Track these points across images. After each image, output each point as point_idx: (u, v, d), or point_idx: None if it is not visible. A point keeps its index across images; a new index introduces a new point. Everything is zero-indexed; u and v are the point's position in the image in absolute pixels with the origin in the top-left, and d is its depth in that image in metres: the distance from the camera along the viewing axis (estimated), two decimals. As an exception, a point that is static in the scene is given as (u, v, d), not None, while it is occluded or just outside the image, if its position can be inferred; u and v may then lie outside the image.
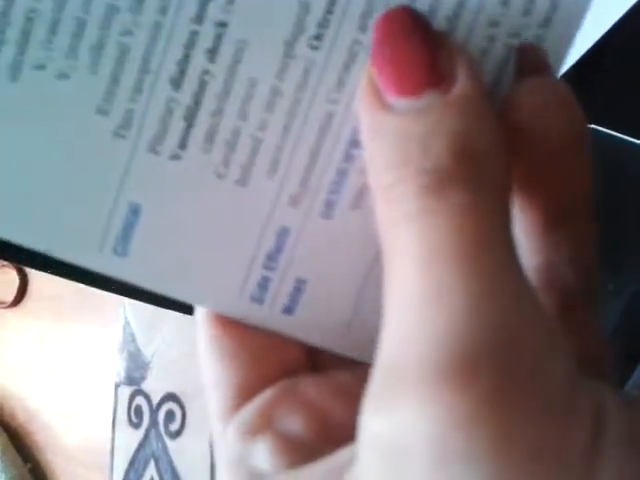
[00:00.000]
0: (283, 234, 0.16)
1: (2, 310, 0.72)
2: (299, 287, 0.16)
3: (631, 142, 0.37)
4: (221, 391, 0.16)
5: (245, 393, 0.16)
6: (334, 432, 0.15)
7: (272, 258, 0.16)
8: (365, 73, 0.15)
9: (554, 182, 0.16)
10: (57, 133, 0.16)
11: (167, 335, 0.59)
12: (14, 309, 0.71)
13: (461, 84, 0.14)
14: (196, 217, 0.16)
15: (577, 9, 0.16)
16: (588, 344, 0.15)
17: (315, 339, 0.17)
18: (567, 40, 0.16)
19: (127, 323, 0.61)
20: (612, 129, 0.37)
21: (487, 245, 0.13)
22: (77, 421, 0.67)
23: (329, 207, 0.16)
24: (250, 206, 0.16)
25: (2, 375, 0.72)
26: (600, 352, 0.15)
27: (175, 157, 0.16)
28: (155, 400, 0.62)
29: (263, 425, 0.16)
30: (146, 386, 0.63)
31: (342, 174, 0.16)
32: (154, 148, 0.16)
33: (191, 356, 0.57)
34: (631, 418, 0.12)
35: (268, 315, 0.16)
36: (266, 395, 0.16)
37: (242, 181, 0.16)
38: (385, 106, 0.14)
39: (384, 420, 0.12)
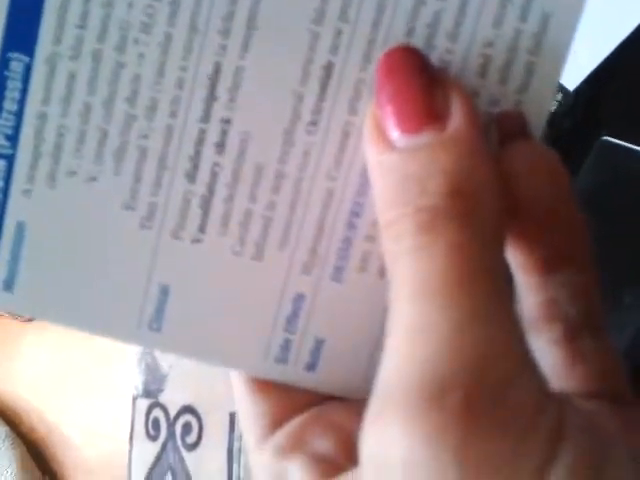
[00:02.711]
0: (299, 300, 0.19)
1: (21, 323, 0.74)
2: (319, 346, 0.19)
3: None
4: (255, 420, 0.19)
5: (277, 421, 0.19)
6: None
7: (291, 322, 0.19)
8: (369, 114, 0.17)
9: (546, 235, 0.17)
10: (91, 229, 0.19)
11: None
12: (33, 323, 0.74)
13: (455, 122, 0.16)
14: (219, 291, 0.19)
15: (553, 72, 0.18)
16: (596, 369, 0.17)
17: (337, 391, 0.19)
18: (546, 101, 0.18)
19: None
20: (625, 140, 0.39)
21: (471, 280, 0.15)
22: (96, 434, 0.71)
23: (338, 272, 0.19)
24: (266, 277, 0.19)
25: (22, 388, 0.76)
26: (611, 374, 0.17)
27: (196, 241, 0.19)
28: (172, 412, 0.65)
29: (295, 446, 0.18)
30: (163, 398, 0.66)
31: (347, 241, 0.19)
32: (177, 234, 0.19)
33: (208, 368, 0.59)
34: (590, 437, 0.14)
35: (292, 373, 0.19)
36: (296, 421, 0.19)
37: (257, 256, 0.19)
38: (388, 144, 0.16)
39: (376, 439, 0.15)
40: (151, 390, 0.64)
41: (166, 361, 0.63)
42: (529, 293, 0.18)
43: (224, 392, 0.65)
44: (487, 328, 0.14)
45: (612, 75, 0.39)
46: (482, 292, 0.15)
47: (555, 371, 0.17)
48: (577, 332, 0.17)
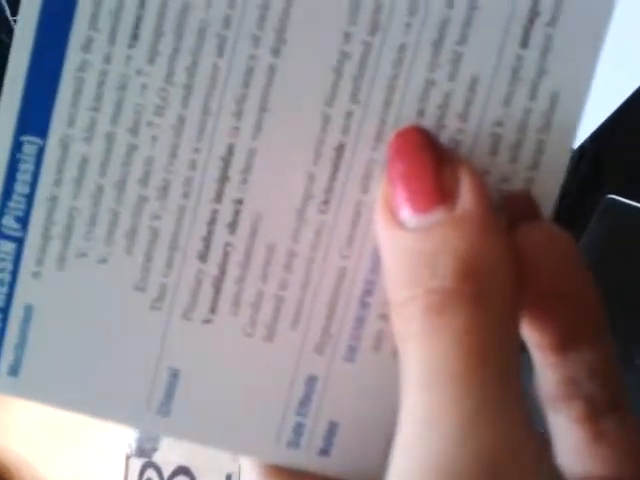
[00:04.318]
0: (311, 382, 0.19)
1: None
2: (332, 430, 0.19)
3: None
4: None
5: None
6: None
7: (304, 405, 0.19)
8: (381, 193, 0.17)
9: (561, 314, 0.17)
10: (100, 311, 0.19)
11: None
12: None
13: (465, 200, 0.16)
14: (229, 374, 0.19)
15: (563, 149, 0.18)
16: (619, 449, 0.17)
17: (351, 476, 0.19)
18: (557, 178, 0.18)
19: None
20: (629, 198, 0.39)
21: (481, 367, 0.14)
22: (86, 495, 0.70)
23: (352, 352, 0.19)
24: (278, 359, 0.19)
25: (13, 442, 0.75)
26: (635, 454, 0.17)
27: (207, 322, 0.19)
28: (166, 473, 0.65)
29: None
30: (157, 458, 0.65)
31: (360, 321, 0.19)
32: (187, 315, 0.19)
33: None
34: None
35: (305, 458, 0.19)
36: None
37: (268, 337, 0.19)
38: (398, 223, 0.16)
39: None
40: (145, 449, 0.64)
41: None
42: (546, 371, 0.18)
43: (220, 452, 0.65)
44: (500, 422, 0.14)
45: (616, 133, 0.40)
46: (492, 383, 0.15)
47: (576, 451, 0.17)
48: (598, 410, 0.17)
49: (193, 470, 0.62)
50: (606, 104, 0.39)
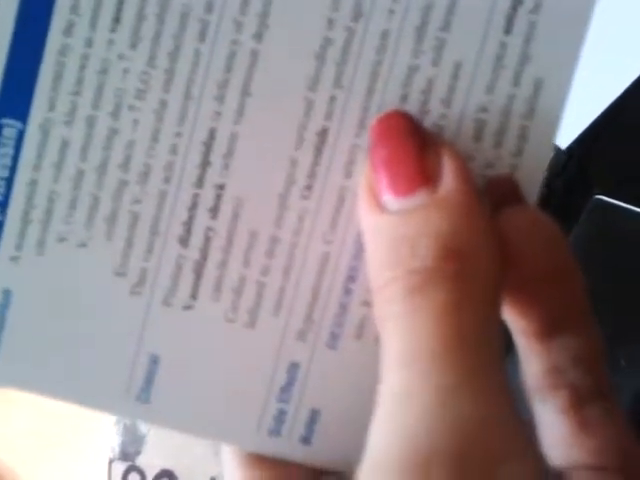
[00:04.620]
0: (293, 369, 0.19)
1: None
2: (314, 417, 0.19)
3: (637, 212, 0.39)
4: None
5: None
6: None
7: (285, 392, 0.19)
8: (364, 177, 0.17)
9: (545, 300, 0.17)
10: (80, 297, 0.19)
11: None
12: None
13: (447, 183, 0.16)
14: (210, 360, 0.19)
15: (547, 136, 0.18)
16: (604, 438, 0.17)
17: (333, 465, 0.19)
18: (541, 164, 0.18)
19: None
20: (617, 198, 0.40)
21: (460, 346, 0.15)
22: (69, 501, 0.69)
23: (334, 339, 0.19)
24: (260, 345, 0.19)
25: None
26: (621, 441, 0.17)
27: (187, 307, 0.19)
28: (150, 476, 0.65)
29: None
30: (141, 461, 0.65)
31: (343, 307, 0.19)
32: (167, 301, 0.19)
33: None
34: None
35: (287, 446, 0.19)
36: None
37: (250, 323, 0.19)
38: (380, 207, 0.16)
39: None
40: (128, 452, 0.64)
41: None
42: (531, 359, 0.18)
43: (204, 455, 0.64)
44: (474, 399, 0.14)
45: (603, 134, 0.40)
46: (471, 359, 0.15)
47: (562, 440, 0.17)
48: (583, 399, 0.17)
49: (177, 473, 0.62)
50: (594, 105, 0.40)
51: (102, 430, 0.65)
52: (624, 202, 0.39)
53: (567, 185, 0.40)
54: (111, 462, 0.65)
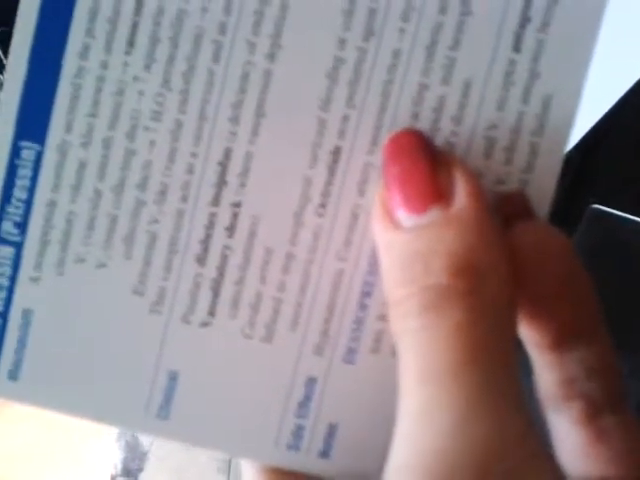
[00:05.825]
0: (311, 383, 0.19)
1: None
2: (332, 432, 0.20)
3: (636, 221, 0.40)
4: None
5: None
6: None
7: (303, 407, 0.19)
8: (377, 195, 0.18)
9: (558, 313, 0.18)
10: (99, 316, 0.19)
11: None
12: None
13: (460, 200, 0.16)
14: (228, 376, 0.19)
15: (556, 152, 0.19)
16: (620, 448, 0.17)
17: (352, 478, 0.20)
18: (551, 180, 0.19)
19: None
20: (614, 207, 0.40)
21: (475, 363, 0.15)
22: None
23: (351, 353, 0.19)
24: (277, 360, 0.19)
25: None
26: (637, 451, 0.17)
27: (205, 324, 0.19)
28: (151, 494, 0.64)
29: None
30: (143, 478, 0.65)
31: (359, 322, 0.19)
32: (186, 318, 0.19)
33: (190, 446, 0.58)
34: None
35: (306, 461, 0.20)
36: None
37: (267, 338, 0.19)
38: (394, 224, 0.17)
39: None
40: (131, 469, 0.64)
41: (147, 438, 0.62)
42: (545, 371, 0.18)
43: (206, 471, 0.64)
44: (492, 417, 0.15)
45: (601, 142, 0.41)
46: (491, 375, 0.15)
47: (577, 451, 0.17)
48: (598, 410, 0.17)
49: (178, 490, 0.62)
50: (591, 114, 0.40)
51: (104, 446, 0.65)
52: (621, 211, 0.40)
53: (564, 193, 0.41)
54: (114, 478, 0.65)
